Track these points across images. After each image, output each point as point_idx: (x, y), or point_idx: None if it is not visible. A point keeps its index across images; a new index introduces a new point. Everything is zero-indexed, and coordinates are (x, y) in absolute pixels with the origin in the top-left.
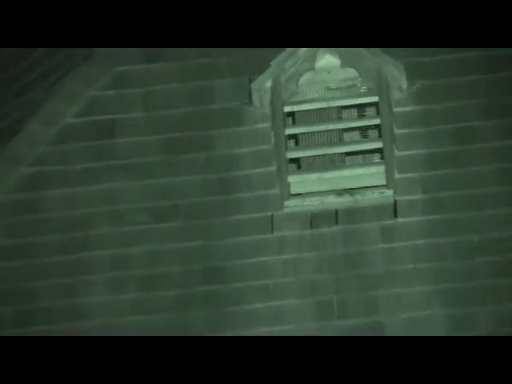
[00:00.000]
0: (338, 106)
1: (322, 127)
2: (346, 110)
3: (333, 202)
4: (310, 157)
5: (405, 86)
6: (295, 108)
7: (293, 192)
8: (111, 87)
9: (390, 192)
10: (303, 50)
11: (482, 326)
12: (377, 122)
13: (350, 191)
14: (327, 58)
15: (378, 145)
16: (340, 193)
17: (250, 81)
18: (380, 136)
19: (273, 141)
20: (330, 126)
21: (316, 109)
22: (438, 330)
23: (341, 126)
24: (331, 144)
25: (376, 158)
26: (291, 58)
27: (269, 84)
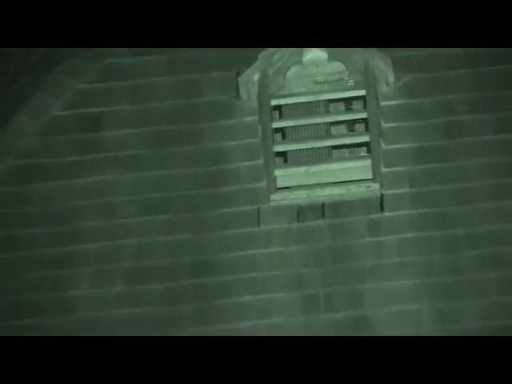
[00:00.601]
0: (325, 100)
1: (309, 121)
2: (333, 104)
3: (320, 195)
4: (296, 150)
5: (392, 79)
6: (282, 101)
7: (280, 185)
8: (99, 80)
9: (376, 186)
10: None
11: (470, 319)
12: (364, 115)
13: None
14: (314, 52)
15: (365, 138)
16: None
17: (238, 74)
18: (367, 130)
19: (260, 134)
20: (317, 120)
21: (303, 102)
22: (425, 323)
23: (328, 119)
24: (318, 137)
25: (363, 151)
26: (279, 51)
27: (256, 77)
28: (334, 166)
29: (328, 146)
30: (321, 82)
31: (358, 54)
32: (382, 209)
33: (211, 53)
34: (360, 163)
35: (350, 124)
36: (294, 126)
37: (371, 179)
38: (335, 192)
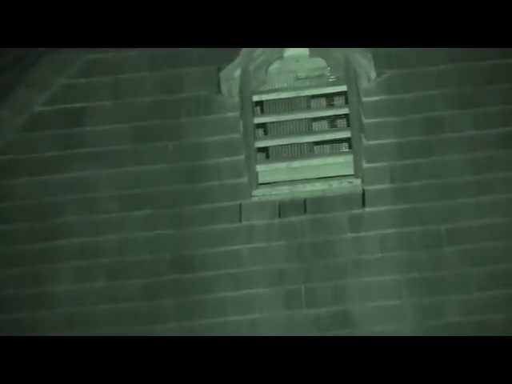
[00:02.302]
0: (306, 96)
1: (291, 116)
2: (315, 100)
3: (301, 191)
4: (278, 146)
5: (373, 75)
6: (264, 97)
7: (261, 181)
8: (81, 75)
9: (358, 181)
10: None
11: (451, 315)
12: (345, 111)
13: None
14: (296, 48)
15: (347, 134)
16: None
17: (219, 70)
18: (348, 125)
19: (241, 130)
20: (299, 116)
21: (285, 98)
22: (407, 319)
23: (309, 115)
24: (300, 133)
25: (344, 147)
26: None
27: (238, 73)
28: (315, 161)
29: (310, 142)
30: (302, 78)
31: (339, 50)
32: (363, 204)
33: (192, 48)
34: (341, 159)
35: (332, 120)
36: (276, 122)
37: (353, 175)
38: (317, 187)
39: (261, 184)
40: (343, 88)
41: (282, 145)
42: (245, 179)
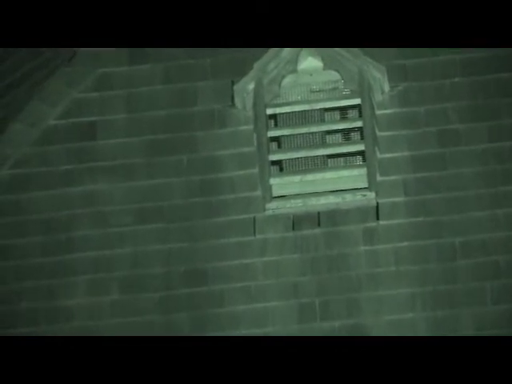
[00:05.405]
0: (320, 109)
1: (305, 129)
2: (329, 113)
3: (315, 204)
4: (292, 159)
5: (387, 88)
6: (277, 110)
7: (275, 194)
8: (94, 89)
9: (372, 194)
10: (286, 52)
11: (465, 328)
12: (359, 124)
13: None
14: (309, 61)
15: (361, 147)
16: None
17: (233, 83)
18: (362, 138)
19: (255, 143)
20: (313, 129)
21: (298, 111)
22: (421, 332)
23: (323, 128)
24: (313, 146)
25: (358, 160)
26: (274, 60)
27: (251, 86)
28: (329, 174)
29: (323, 155)
30: (316, 91)
31: (353, 63)
32: (377, 217)
33: (206, 61)
34: (355, 172)
35: (345, 133)
36: (290, 135)
37: (367, 188)
38: (331, 201)
39: (274, 197)
40: (357, 101)
41: (295, 158)
42: (258, 192)
